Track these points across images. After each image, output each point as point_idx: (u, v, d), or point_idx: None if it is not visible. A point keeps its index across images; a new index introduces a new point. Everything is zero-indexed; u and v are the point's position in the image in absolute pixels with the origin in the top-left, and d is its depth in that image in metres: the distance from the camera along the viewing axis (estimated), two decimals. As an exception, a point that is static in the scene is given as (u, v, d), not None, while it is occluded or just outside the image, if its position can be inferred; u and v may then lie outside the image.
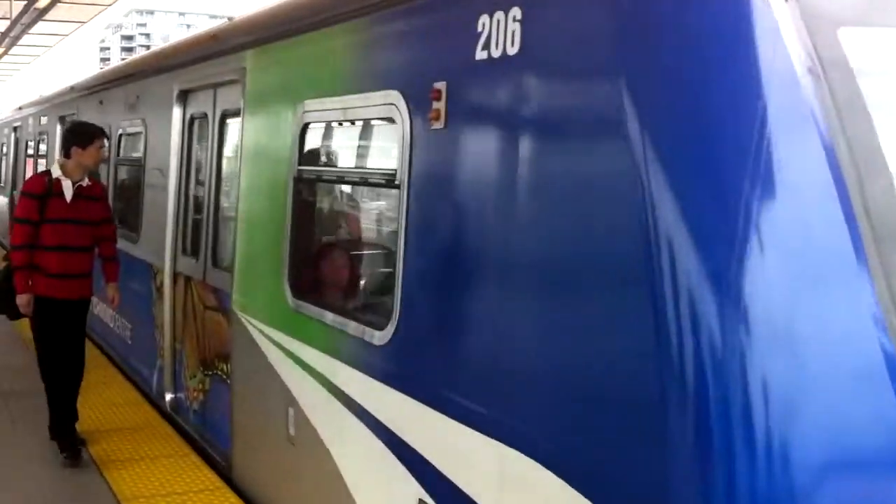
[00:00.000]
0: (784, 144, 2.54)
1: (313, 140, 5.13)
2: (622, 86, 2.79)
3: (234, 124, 6.40)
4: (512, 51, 3.27)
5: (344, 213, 5.52)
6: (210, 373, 6.52)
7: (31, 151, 15.88)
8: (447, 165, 3.67)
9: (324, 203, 5.45)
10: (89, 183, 6.60)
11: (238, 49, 6.09)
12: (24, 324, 6.81)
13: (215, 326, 6.39)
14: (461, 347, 3.52)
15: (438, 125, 3.67)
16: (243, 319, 5.67)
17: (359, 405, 4.25)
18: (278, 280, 5.10)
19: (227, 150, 6.64)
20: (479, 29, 3.43)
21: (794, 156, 2.55)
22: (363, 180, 4.96)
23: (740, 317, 2.44)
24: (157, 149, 7.87)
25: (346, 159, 5.40)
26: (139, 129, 8.62)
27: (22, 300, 6.35)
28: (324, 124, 5.07)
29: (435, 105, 3.67)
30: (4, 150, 19.70)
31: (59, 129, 12.30)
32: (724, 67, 2.68)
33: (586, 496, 2.80)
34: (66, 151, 6.57)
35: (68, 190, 6.39)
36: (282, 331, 5.13)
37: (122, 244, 7.48)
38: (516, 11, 3.25)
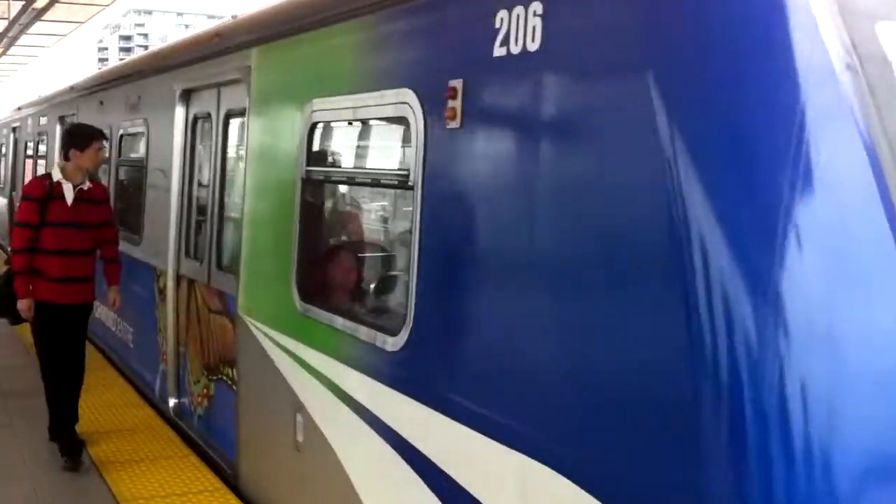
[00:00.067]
0: (822, 141, 2.47)
1: (322, 140, 5.01)
2: (651, 81, 2.69)
3: (238, 124, 6.30)
4: (532, 46, 3.16)
5: (354, 215, 5.40)
6: (215, 377, 6.41)
7: (30, 152, 15.77)
8: (464, 165, 3.56)
9: (333, 204, 5.34)
10: (90, 186, 6.51)
11: (243, 47, 5.97)
12: (24, 325, 6.80)
13: (220, 330, 6.28)
14: (479, 354, 3.41)
15: (454, 124, 3.56)
16: (249, 323, 5.55)
17: (370, 412, 4.14)
18: (286, 283, 4.99)
19: (232, 151, 6.53)
20: (497, 24, 3.32)
21: (833, 153, 2.48)
22: (374, 181, 4.85)
23: (779, 318, 2.37)
24: (160, 149, 7.76)
25: (356, 159, 5.28)
26: (141, 129, 8.51)
27: (23, 305, 6.29)
28: (333, 124, 4.95)
29: (450, 103, 3.56)
30: (3, 150, 19.59)
31: (58, 129, 12.18)
32: (759, 63, 2.57)
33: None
34: (64, 154, 6.50)
35: (69, 193, 6.31)
36: (289, 335, 5.02)
37: (123, 246, 7.39)
38: (537, 6, 3.15)
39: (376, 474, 4.16)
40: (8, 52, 26.23)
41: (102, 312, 9.39)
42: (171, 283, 7.25)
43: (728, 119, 2.57)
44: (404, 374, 3.88)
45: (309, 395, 4.78)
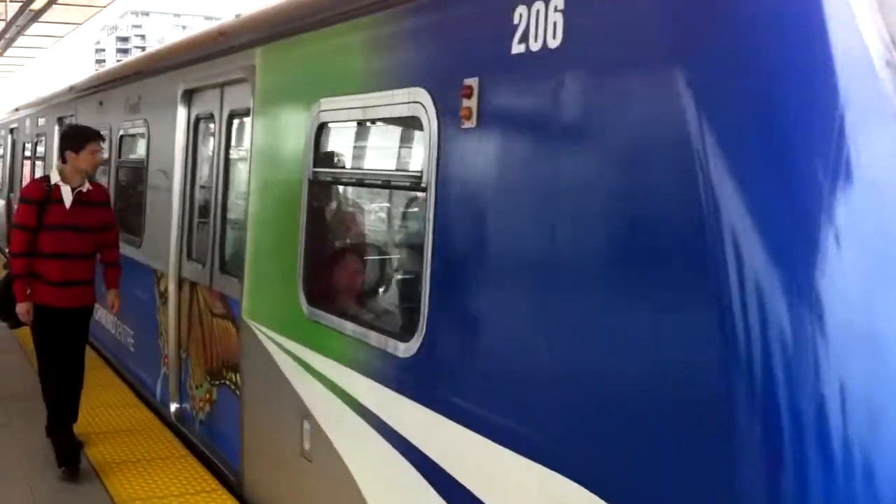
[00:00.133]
0: (862, 139, 2.40)
1: (330, 141, 4.89)
2: (681, 79, 2.59)
3: (242, 124, 6.18)
4: (553, 43, 3.05)
5: (363, 217, 5.28)
6: (217, 382, 6.30)
7: (28, 154, 15.66)
8: (480, 166, 3.45)
9: (341, 207, 5.22)
10: (90, 188, 6.40)
11: (247, 46, 5.86)
12: (24, 329, 6.81)
13: (223, 334, 6.16)
14: (496, 360, 3.30)
15: (470, 124, 3.45)
16: (254, 328, 5.44)
17: (381, 420, 4.03)
18: (292, 287, 4.87)
19: (236, 151, 6.42)
20: (516, 21, 3.22)
21: (873, 151, 2.40)
22: (385, 183, 4.73)
23: (817, 318, 2.30)
24: (161, 150, 7.64)
25: (366, 160, 5.16)
26: (141, 129, 8.40)
27: (21, 308, 6.23)
28: (342, 124, 4.83)
29: (465, 103, 3.46)
30: (1, 152, 19.47)
31: (57, 131, 12.07)
32: (796, 59, 2.47)
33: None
34: (61, 156, 6.42)
35: (67, 196, 6.23)
36: (296, 340, 4.91)
37: (124, 248, 7.28)
38: (558, 1, 3.03)
39: (387, 484, 4.05)
40: (5, 54, 26.12)
41: (102, 315, 9.27)
42: (172, 286, 7.14)
43: (764, 117, 2.47)
44: (417, 382, 3.77)
45: (316, 401, 4.67)
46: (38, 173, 12.82)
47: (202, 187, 7.01)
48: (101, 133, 6.75)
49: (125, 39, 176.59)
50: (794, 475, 2.29)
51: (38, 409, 6.65)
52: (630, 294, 2.72)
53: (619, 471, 2.73)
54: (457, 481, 3.46)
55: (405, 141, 4.48)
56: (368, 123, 4.75)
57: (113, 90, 9.73)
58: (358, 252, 5.23)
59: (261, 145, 5.54)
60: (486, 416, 3.30)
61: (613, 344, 2.77)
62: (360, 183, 5.03)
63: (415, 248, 4.19)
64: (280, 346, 5.08)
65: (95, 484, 6.00)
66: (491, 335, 3.35)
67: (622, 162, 2.79)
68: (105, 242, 6.57)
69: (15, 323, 6.52)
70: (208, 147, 6.94)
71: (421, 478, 3.70)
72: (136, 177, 8.80)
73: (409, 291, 4.28)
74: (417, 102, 3.79)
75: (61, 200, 6.20)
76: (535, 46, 3.13)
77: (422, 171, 3.76)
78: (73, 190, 6.24)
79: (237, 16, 6.65)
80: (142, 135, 8.43)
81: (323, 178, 4.85)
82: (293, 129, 5.03)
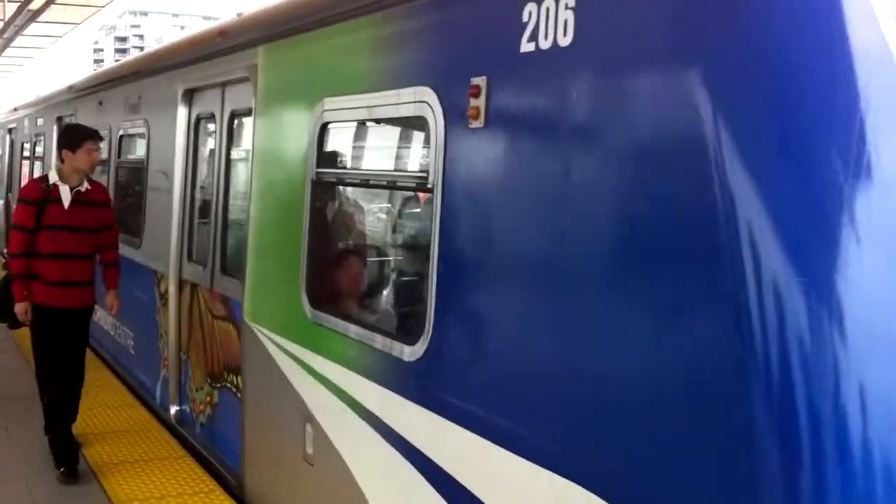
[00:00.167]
0: (881, 138, 2.36)
1: (334, 141, 4.83)
2: (697, 77, 2.53)
3: (244, 124, 6.12)
4: (564, 41, 2.99)
5: (367, 219, 5.22)
6: (218, 385, 6.23)
7: (27, 154, 15.58)
8: (488, 166, 3.39)
9: (345, 207, 5.16)
10: (89, 188, 6.34)
11: (249, 45, 5.79)
12: (23, 330, 6.80)
13: (224, 337, 6.10)
14: (504, 363, 3.24)
15: (477, 124, 3.39)
16: (255, 330, 5.38)
17: (386, 425, 3.97)
18: (295, 289, 4.81)
19: (237, 152, 6.36)
20: (525, 18, 3.16)
21: (893, 150, 2.37)
22: (391, 183, 4.67)
23: (837, 319, 2.28)
24: (161, 150, 7.58)
25: (370, 161, 5.10)
26: (141, 129, 8.33)
27: (19, 308, 6.20)
28: (346, 124, 4.77)
29: (473, 102, 3.40)
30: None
31: (56, 130, 12.00)
32: (815, 58, 2.42)
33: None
34: (58, 155, 6.38)
35: (66, 196, 6.19)
36: (298, 343, 4.85)
37: (123, 249, 7.21)
38: (569, -1, 2.98)
39: (391, 488, 3.99)
40: (3, 54, 26.05)
41: (102, 317, 9.21)
42: (172, 288, 7.07)
43: (782, 115, 2.42)
44: (423, 386, 3.71)
45: (319, 405, 4.61)
46: (37, 173, 12.77)
47: (203, 188, 6.95)
48: (100, 133, 6.69)
49: (123, 39, 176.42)
50: (813, 478, 2.26)
51: (35, 409, 6.62)
52: (646, 296, 2.66)
53: (633, 475, 2.67)
54: (463, 487, 3.40)
55: (411, 141, 4.42)
56: (373, 123, 4.69)
57: (113, 90, 9.67)
58: (362, 254, 5.18)
59: (263, 145, 5.48)
60: (494, 421, 3.24)
61: (629, 346, 2.71)
62: (364, 183, 4.97)
63: (421, 250, 4.13)
64: (282, 348, 5.03)
65: (93, 484, 5.99)
66: (500, 338, 3.30)
67: (637, 162, 2.74)
68: (104, 243, 6.52)
69: (14, 323, 6.48)
70: (209, 147, 6.87)
71: (426, 483, 3.64)
72: (136, 177, 8.73)
73: (414, 294, 4.22)
74: (423, 102, 3.73)
75: (60, 200, 6.16)
76: (545, 45, 3.08)
77: (428, 172, 3.71)
78: (71, 190, 6.20)
79: (239, 15, 6.58)
80: (142, 135, 8.36)
81: (326, 178, 4.79)
82: (296, 128, 4.97)
